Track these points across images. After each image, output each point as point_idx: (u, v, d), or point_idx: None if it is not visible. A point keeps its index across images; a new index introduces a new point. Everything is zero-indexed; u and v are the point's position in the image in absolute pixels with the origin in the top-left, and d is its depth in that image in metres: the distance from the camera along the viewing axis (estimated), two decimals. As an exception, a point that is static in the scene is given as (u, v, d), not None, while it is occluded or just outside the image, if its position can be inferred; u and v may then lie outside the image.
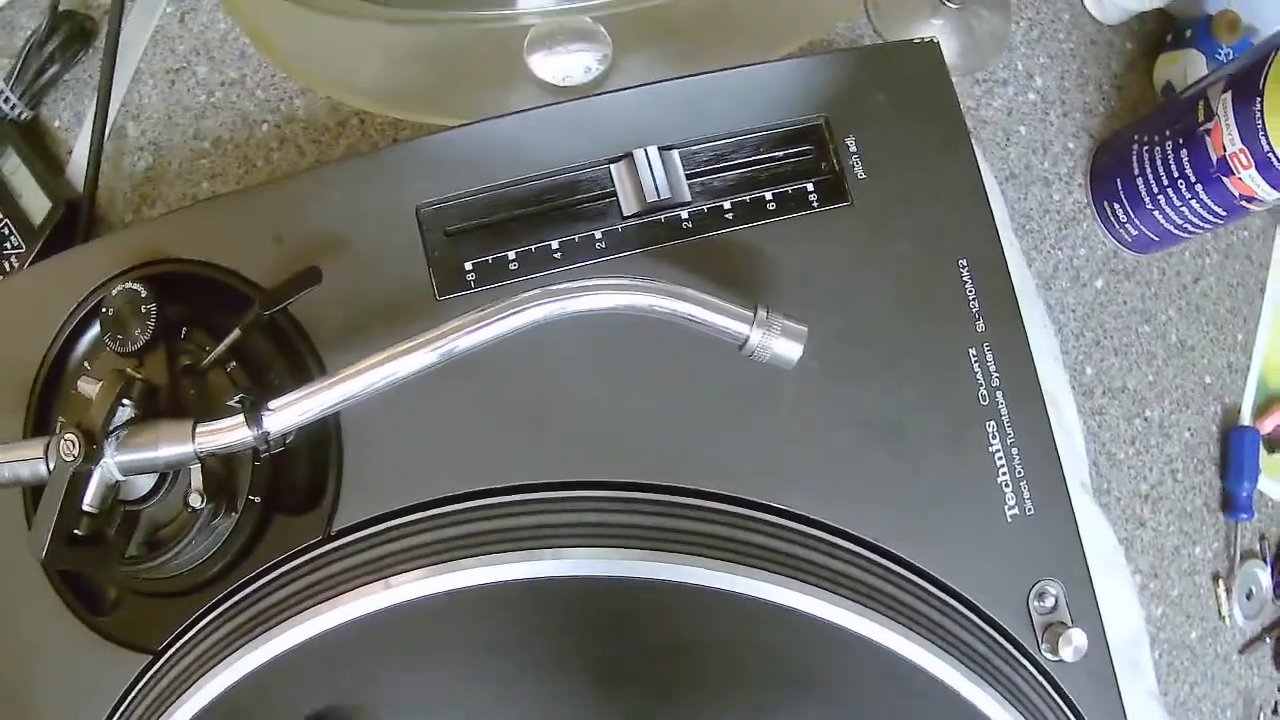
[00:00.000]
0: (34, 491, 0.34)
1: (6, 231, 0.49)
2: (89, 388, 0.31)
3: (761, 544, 0.32)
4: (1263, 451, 0.55)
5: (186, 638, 0.32)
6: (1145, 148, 0.51)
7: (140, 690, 0.33)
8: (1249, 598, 0.54)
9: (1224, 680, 0.53)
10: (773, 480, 0.33)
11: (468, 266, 0.33)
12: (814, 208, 0.34)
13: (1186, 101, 0.49)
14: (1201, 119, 0.48)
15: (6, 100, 0.49)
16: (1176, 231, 0.52)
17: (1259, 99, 0.44)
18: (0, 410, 0.35)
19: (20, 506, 0.34)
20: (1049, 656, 0.33)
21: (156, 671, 0.32)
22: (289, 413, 0.28)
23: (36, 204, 0.49)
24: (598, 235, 0.33)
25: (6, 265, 0.49)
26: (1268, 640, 0.54)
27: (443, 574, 0.30)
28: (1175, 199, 0.50)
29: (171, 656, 0.32)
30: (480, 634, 0.31)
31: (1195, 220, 0.50)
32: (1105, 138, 0.56)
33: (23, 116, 0.50)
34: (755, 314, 0.29)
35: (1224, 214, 0.49)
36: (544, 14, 0.37)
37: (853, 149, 0.35)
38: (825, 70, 0.35)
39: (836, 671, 0.31)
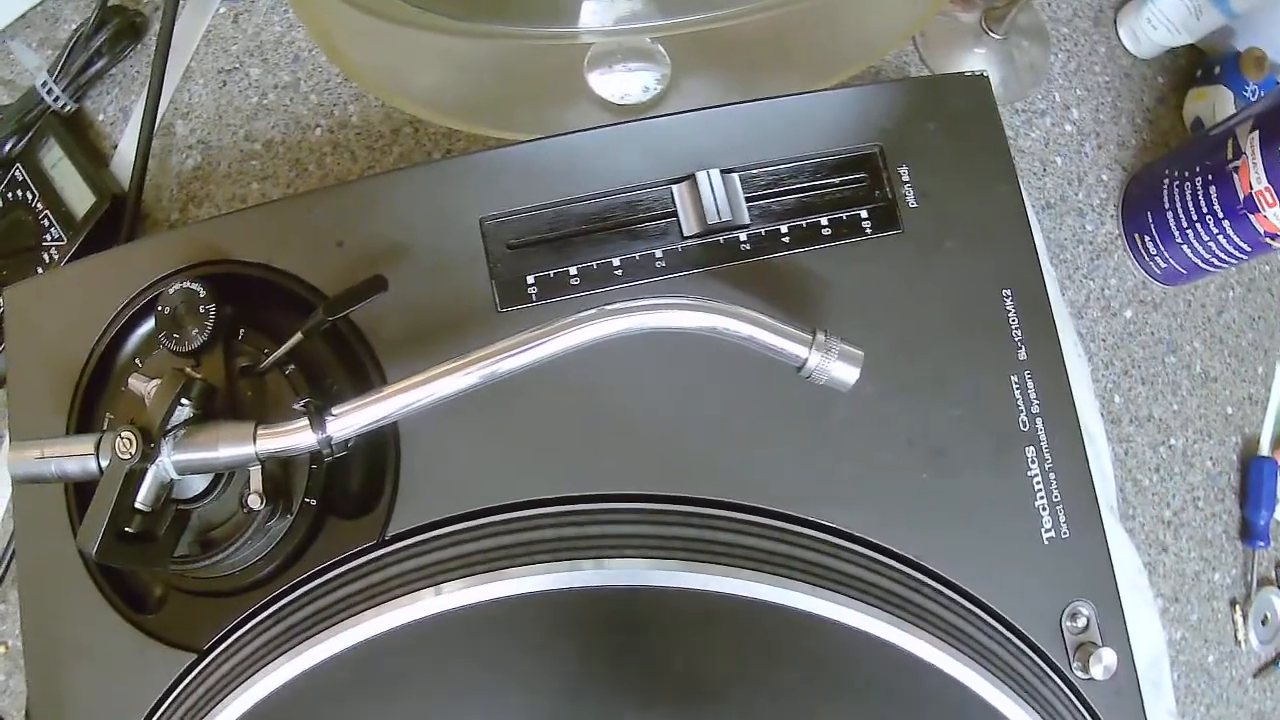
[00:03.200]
0: (77, 489, 0.34)
1: (47, 223, 0.49)
2: (141, 385, 0.31)
3: (806, 559, 0.33)
4: (1281, 482, 0.56)
5: (235, 638, 0.32)
6: (1176, 182, 0.52)
7: (184, 689, 0.33)
8: (1264, 623, 0.55)
9: (1238, 703, 0.54)
10: (819, 497, 0.33)
11: (530, 280, 0.33)
12: (867, 234, 0.35)
13: (1216, 139, 0.50)
14: (1230, 157, 0.48)
15: (50, 91, 0.49)
16: (1204, 265, 0.53)
17: (1285, 138, 0.45)
18: (43, 403, 0.35)
19: (63, 504, 0.34)
20: (1079, 674, 0.34)
21: (202, 671, 0.33)
22: (353, 418, 0.29)
23: (78, 197, 0.49)
24: (658, 254, 0.34)
25: (47, 257, 0.49)
26: (1282, 667, 0.55)
27: (492, 582, 0.31)
28: (1203, 234, 0.51)
29: (218, 656, 0.33)
30: (523, 642, 0.32)
31: (1222, 255, 0.51)
32: (1137, 171, 0.57)
33: (65, 108, 0.50)
34: (814, 337, 0.29)
35: (1249, 250, 0.50)
36: (605, 33, 0.37)
37: (905, 178, 0.35)
38: (880, 100, 0.36)
39: (876, 683, 0.32)
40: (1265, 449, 0.57)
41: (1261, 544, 0.55)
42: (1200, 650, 0.54)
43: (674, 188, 0.34)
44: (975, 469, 0.34)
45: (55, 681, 0.34)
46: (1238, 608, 0.55)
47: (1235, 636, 0.55)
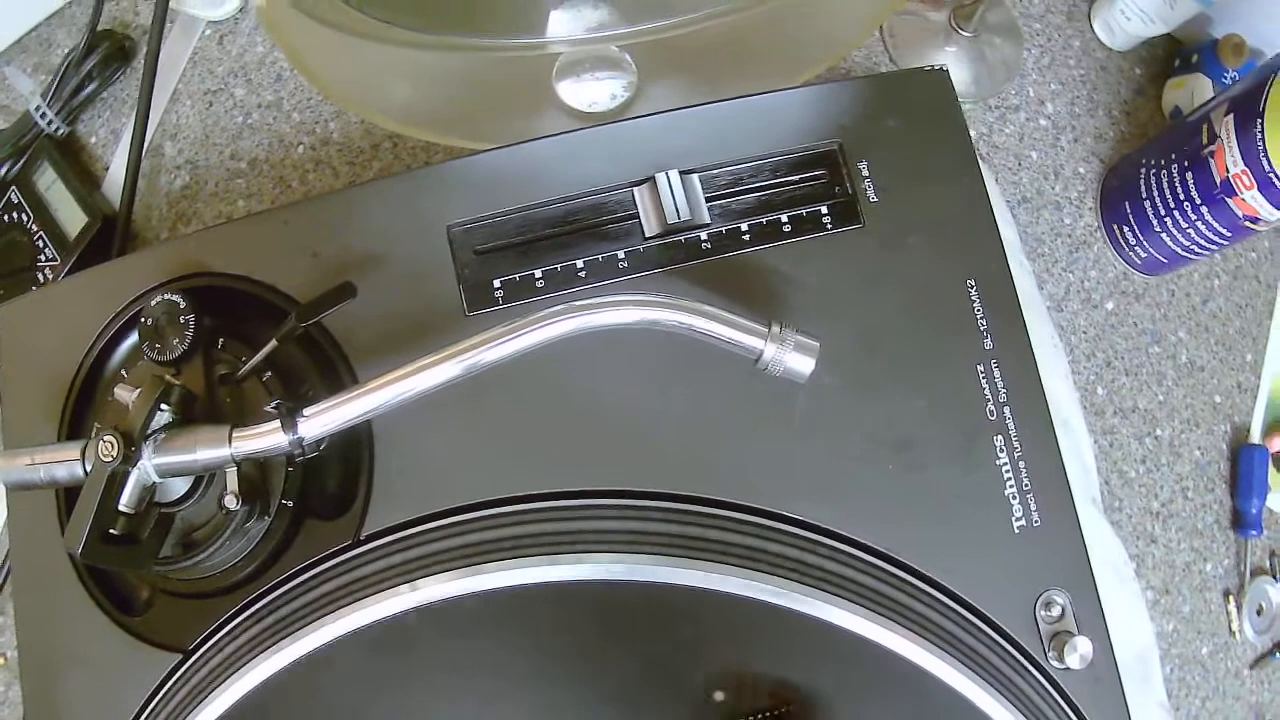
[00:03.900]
0: (68, 496, 0.35)
1: (41, 244, 0.50)
2: (126, 394, 0.32)
3: (776, 552, 0.33)
4: (1272, 469, 0.56)
5: (217, 637, 0.33)
6: (1152, 171, 0.52)
7: (170, 688, 0.34)
8: (1259, 614, 0.54)
9: (1234, 695, 0.53)
10: (787, 490, 0.34)
11: (496, 284, 0.34)
12: (828, 230, 0.35)
13: (1191, 125, 0.50)
14: (1205, 142, 0.48)
15: (43, 115, 0.51)
16: (1184, 253, 0.53)
17: (1259, 120, 0.45)
18: (35, 416, 0.36)
19: (54, 511, 0.35)
20: (1055, 664, 0.34)
21: (186, 670, 0.33)
22: (323, 419, 0.29)
23: (71, 218, 0.50)
24: (621, 255, 0.34)
25: (40, 277, 0.50)
26: (1278, 655, 0.54)
27: (466, 577, 0.31)
28: (1182, 221, 0.51)
29: (202, 656, 0.33)
30: (503, 636, 0.32)
31: (1202, 241, 0.51)
32: (1115, 162, 0.57)
33: (59, 132, 0.52)
34: (770, 329, 0.30)
35: (1229, 235, 0.50)
36: (572, 43, 0.38)
37: (865, 173, 0.36)
38: (839, 97, 0.37)
39: (847, 675, 0.32)
40: (1256, 437, 0.57)
41: (1254, 533, 0.55)
42: (1194, 642, 0.53)
43: (635, 190, 0.35)
44: (943, 459, 0.34)
45: (49, 686, 0.35)
46: (1231, 598, 0.54)
47: (1229, 627, 0.54)
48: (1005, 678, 0.33)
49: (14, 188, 0.51)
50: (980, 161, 0.38)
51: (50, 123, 0.51)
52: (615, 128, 0.36)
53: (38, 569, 0.35)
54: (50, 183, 0.51)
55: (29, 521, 0.36)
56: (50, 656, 0.35)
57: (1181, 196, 0.50)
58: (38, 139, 0.51)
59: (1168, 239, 0.52)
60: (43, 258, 0.50)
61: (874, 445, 0.34)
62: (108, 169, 0.52)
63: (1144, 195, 0.53)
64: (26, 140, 0.51)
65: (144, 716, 0.33)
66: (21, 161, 0.51)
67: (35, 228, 0.50)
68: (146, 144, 0.50)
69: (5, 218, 0.51)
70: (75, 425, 0.36)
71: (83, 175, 0.51)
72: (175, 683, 0.33)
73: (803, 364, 0.30)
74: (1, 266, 0.50)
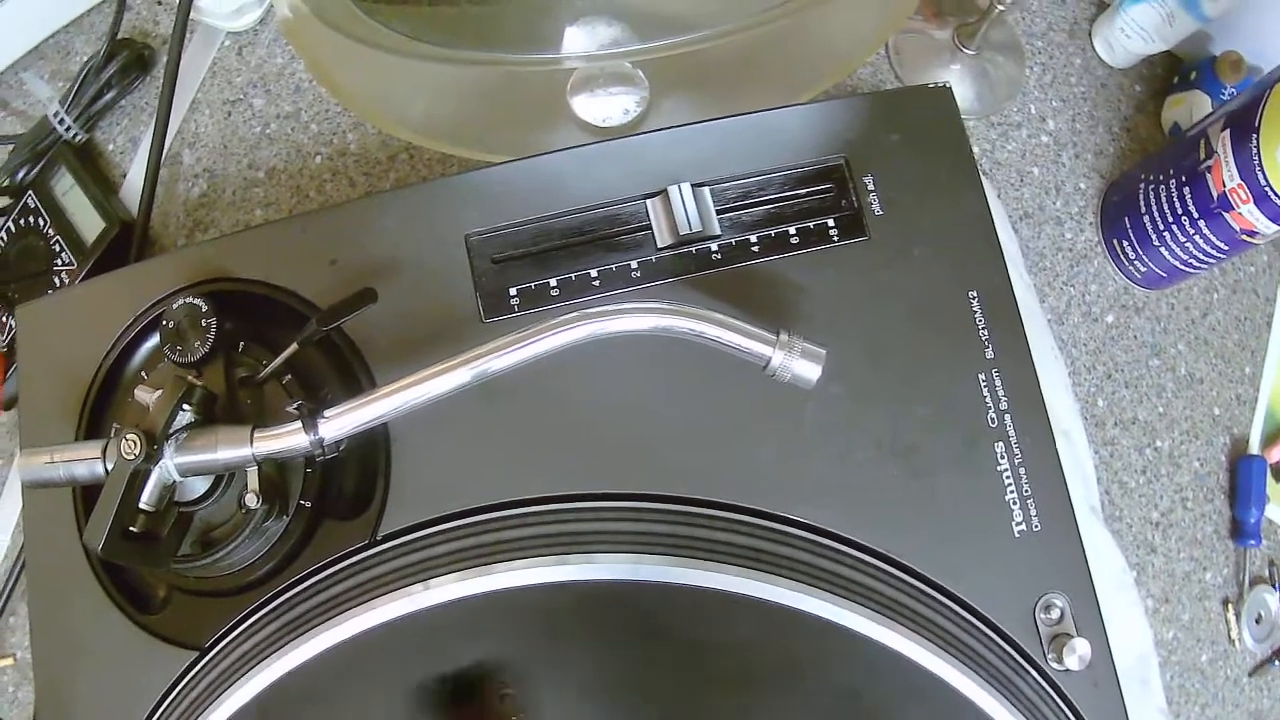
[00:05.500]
0: (85, 498, 0.36)
1: (57, 248, 0.51)
2: (146, 396, 0.33)
3: (783, 554, 0.34)
4: (1270, 480, 0.56)
5: (233, 635, 0.34)
6: (1151, 187, 0.53)
7: (186, 685, 0.34)
8: (1258, 622, 0.55)
9: (1234, 702, 0.54)
10: (793, 494, 0.34)
11: (512, 292, 0.35)
12: (834, 242, 0.36)
13: (1189, 141, 0.51)
14: (1203, 157, 0.49)
15: (61, 122, 0.52)
16: (1183, 267, 0.54)
17: (1255, 135, 0.46)
18: (52, 416, 0.37)
19: (71, 513, 0.36)
20: (1055, 666, 0.34)
21: (203, 668, 0.34)
22: (343, 421, 0.30)
23: (88, 223, 0.51)
24: (634, 265, 0.35)
25: (57, 281, 0.51)
26: (1277, 663, 0.55)
27: (479, 576, 0.32)
28: (1180, 235, 0.52)
29: (218, 653, 0.34)
30: (511, 635, 0.33)
31: (1200, 255, 0.52)
32: (1115, 178, 0.58)
33: (77, 138, 0.52)
34: (778, 337, 0.31)
35: (1227, 248, 0.51)
36: (587, 58, 0.39)
37: (871, 187, 0.37)
38: (845, 113, 0.38)
39: (850, 674, 0.33)
40: (1255, 448, 0.58)
41: (1253, 543, 0.56)
42: (1193, 650, 0.54)
43: (648, 202, 0.36)
44: (945, 465, 0.35)
45: (62, 683, 0.35)
46: (1230, 607, 0.55)
47: (1229, 636, 0.55)
48: (1005, 678, 0.34)
49: (31, 192, 0.52)
50: (983, 177, 0.38)
51: (69, 129, 0.52)
52: (628, 142, 0.36)
53: (53, 567, 0.36)
54: (68, 188, 0.52)
55: (44, 520, 0.36)
56: (65, 654, 0.35)
57: (1180, 211, 0.51)
58: (55, 145, 0.52)
59: (1166, 253, 0.53)
60: (59, 262, 0.51)
61: (878, 451, 0.35)
62: (125, 176, 0.53)
63: (1143, 210, 0.54)
64: (44, 146, 0.52)
65: (158, 714, 0.34)
66: (39, 166, 0.52)
67: (52, 232, 0.51)
68: (165, 152, 0.51)
69: (22, 222, 0.52)
70: (93, 426, 0.37)
71: (100, 181, 0.52)
72: (190, 680, 0.34)
73: (809, 371, 0.31)
74: (18, 270, 0.51)
